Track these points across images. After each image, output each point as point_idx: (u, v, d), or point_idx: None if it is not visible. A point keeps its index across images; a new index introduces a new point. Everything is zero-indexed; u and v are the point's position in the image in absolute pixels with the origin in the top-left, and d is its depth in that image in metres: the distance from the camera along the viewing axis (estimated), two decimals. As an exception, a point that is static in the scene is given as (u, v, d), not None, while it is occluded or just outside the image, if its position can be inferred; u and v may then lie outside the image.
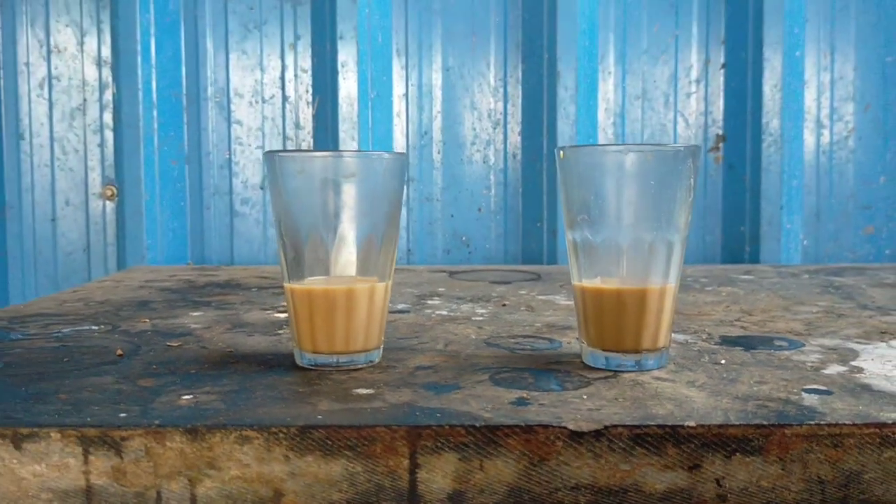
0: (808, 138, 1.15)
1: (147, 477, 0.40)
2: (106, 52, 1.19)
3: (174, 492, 0.40)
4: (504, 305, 0.76)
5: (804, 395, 0.45)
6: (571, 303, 0.78)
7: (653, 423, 0.40)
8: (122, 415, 0.41)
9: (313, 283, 0.51)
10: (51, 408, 0.43)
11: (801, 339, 0.61)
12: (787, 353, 0.56)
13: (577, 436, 0.40)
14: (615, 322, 0.50)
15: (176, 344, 0.59)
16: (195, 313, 0.72)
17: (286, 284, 0.52)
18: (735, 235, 1.16)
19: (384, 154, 0.52)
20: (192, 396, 0.45)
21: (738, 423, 0.40)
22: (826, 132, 1.16)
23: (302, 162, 0.50)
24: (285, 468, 0.40)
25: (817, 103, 1.16)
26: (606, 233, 0.50)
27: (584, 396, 0.45)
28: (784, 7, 1.09)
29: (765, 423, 0.40)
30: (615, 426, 0.40)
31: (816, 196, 1.16)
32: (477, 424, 0.40)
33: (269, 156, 0.50)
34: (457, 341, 0.60)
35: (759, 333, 0.63)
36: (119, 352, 0.56)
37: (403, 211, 1.10)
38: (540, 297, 0.82)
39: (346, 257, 0.51)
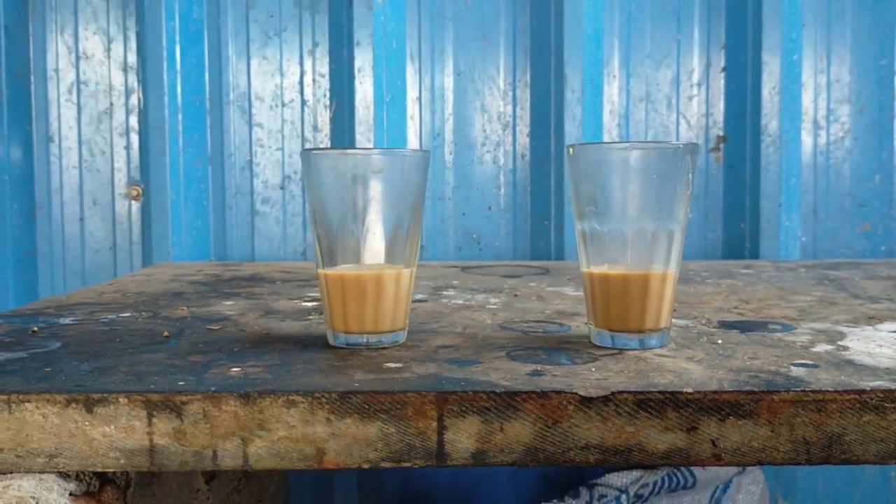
0: (806, 139, 1.20)
1: (204, 437, 0.45)
2: (132, 58, 1.24)
3: (228, 450, 0.45)
4: (516, 296, 0.81)
5: (792, 368, 0.50)
6: (579, 293, 0.83)
7: (655, 390, 0.45)
8: (181, 383, 0.46)
9: (345, 269, 0.56)
10: (115, 378, 0.48)
11: (794, 323, 0.65)
12: (779, 334, 0.61)
13: (586, 401, 0.45)
14: (621, 304, 0.55)
15: (216, 328, 0.64)
16: (228, 302, 0.77)
17: (320, 270, 0.57)
18: (735, 233, 1.21)
19: (409, 151, 0.57)
20: (240, 369, 0.50)
21: (731, 389, 0.45)
22: (823, 133, 1.20)
23: (335, 159, 0.55)
24: (327, 429, 0.45)
25: (814, 105, 1.20)
26: (612, 223, 0.55)
27: (593, 369, 0.50)
28: (782, 12, 1.14)
29: (755, 389, 0.45)
30: (621, 392, 0.45)
31: (814, 194, 1.21)
32: (497, 391, 0.45)
33: (305, 154, 0.55)
34: (474, 325, 0.65)
35: (754, 319, 0.68)
36: (165, 333, 0.61)
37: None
38: (549, 289, 0.87)
39: (375, 246, 0.56)
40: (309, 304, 0.76)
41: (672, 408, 0.45)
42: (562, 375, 0.48)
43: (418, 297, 0.81)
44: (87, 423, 0.45)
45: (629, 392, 0.45)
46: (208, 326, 0.64)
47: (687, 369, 0.50)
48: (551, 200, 1.18)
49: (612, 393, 0.45)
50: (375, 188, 0.55)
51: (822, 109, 1.20)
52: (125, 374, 0.49)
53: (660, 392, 0.45)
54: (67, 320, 0.68)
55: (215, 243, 1.22)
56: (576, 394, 0.45)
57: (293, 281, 0.93)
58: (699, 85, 1.21)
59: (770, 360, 0.52)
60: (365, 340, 0.56)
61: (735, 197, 1.21)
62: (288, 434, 0.45)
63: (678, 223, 0.55)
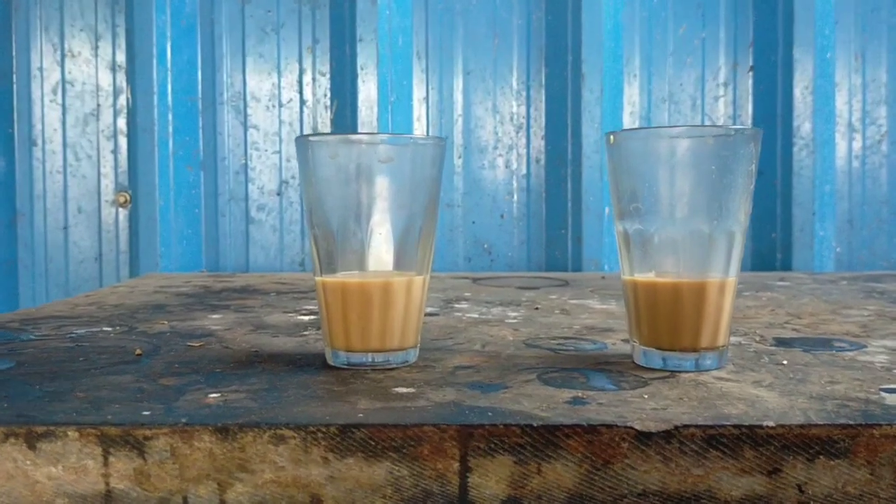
0: (840, 143, 1.12)
1: (172, 480, 0.36)
2: (121, 57, 1.17)
3: (202, 497, 0.36)
4: (536, 309, 0.73)
5: (884, 395, 0.41)
6: (606, 306, 0.74)
7: (728, 424, 0.36)
8: (146, 413, 0.38)
9: (347, 276, 0.47)
10: (67, 406, 0.39)
11: (861, 340, 0.57)
12: (850, 353, 0.52)
13: (644, 437, 0.36)
14: (671, 318, 0.47)
15: (197, 344, 0.55)
16: (214, 315, 0.69)
17: (318, 278, 0.48)
18: (766, 243, 1.12)
19: (422, 138, 0.49)
20: (219, 395, 0.41)
21: (821, 422, 0.37)
22: (858, 136, 1.12)
23: (335, 146, 0.47)
24: (324, 471, 0.36)
25: (849, 107, 1.12)
26: (661, 223, 0.46)
27: (645, 396, 0.41)
28: (814, 7, 1.07)
29: (851, 422, 0.36)
30: (686, 426, 0.36)
31: (849, 202, 1.13)
32: (534, 424, 0.36)
33: (301, 141, 0.47)
34: (494, 342, 0.56)
35: (813, 335, 0.59)
36: (138, 351, 0.52)
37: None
38: (572, 301, 0.78)
39: (382, 250, 0.48)
40: (305, 317, 0.68)
41: (749, 445, 0.36)
42: (609, 404, 0.40)
43: (428, 310, 0.72)
44: (28, 463, 0.36)
45: (697, 426, 0.36)
46: (188, 343, 0.56)
47: (759, 397, 0.41)
48: (568, 208, 1.10)
49: (676, 427, 0.36)
50: (382, 182, 0.47)
51: (858, 111, 1.12)
52: (81, 401, 0.40)
53: (734, 426, 0.36)
54: (31, 335, 0.59)
55: (207, 253, 1.14)
56: (631, 428, 0.36)
57: (289, 293, 0.85)
58: (725, 85, 1.14)
59: (853, 386, 0.43)
60: (370, 360, 0.47)
61: (766, 204, 1.12)
62: (275, 477, 0.36)
63: (739, 223, 0.47)
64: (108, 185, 1.18)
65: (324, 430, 0.36)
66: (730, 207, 0.46)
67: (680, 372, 0.47)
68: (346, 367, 0.48)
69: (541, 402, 0.40)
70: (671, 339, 0.47)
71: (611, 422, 0.37)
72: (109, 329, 0.62)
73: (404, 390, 0.42)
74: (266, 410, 0.38)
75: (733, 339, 0.57)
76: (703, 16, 1.12)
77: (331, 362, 0.48)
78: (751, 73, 1.13)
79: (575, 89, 1.09)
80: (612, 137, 0.48)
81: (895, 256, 1.13)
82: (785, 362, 0.50)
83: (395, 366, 0.48)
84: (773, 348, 0.54)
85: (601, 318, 0.67)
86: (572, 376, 0.46)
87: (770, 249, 1.12)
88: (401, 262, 0.48)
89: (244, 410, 0.38)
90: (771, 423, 0.36)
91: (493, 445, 0.36)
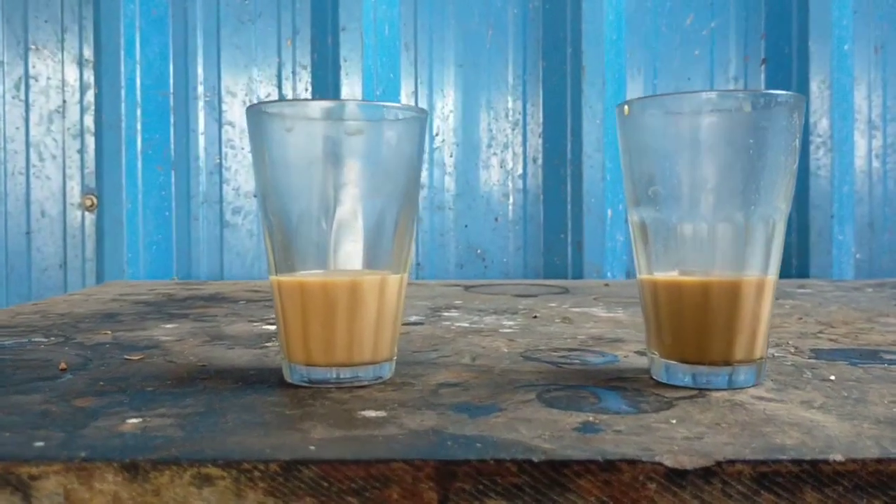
0: (860, 141, 1.04)
1: (66, 534, 0.28)
2: (88, 51, 1.09)
3: (104, 556, 0.28)
4: (535, 317, 0.65)
5: (969, 418, 0.33)
6: (613, 315, 0.66)
7: (784, 458, 0.28)
8: (38, 443, 0.30)
9: (308, 275, 0.39)
10: (-59, 436, 0.31)
11: (912, 352, 0.49)
12: (905, 368, 0.44)
13: (677, 476, 0.28)
14: (700, 326, 0.39)
15: (136, 357, 0.47)
16: (168, 325, 0.60)
17: (273, 277, 0.40)
18: (781, 248, 1.04)
19: (400, 107, 0.41)
20: (139, 420, 0.33)
21: (903, 456, 0.28)
22: (879, 134, 1.05)
23: (293, 116, 0.39)
24: (262, 522, 0.28)
25: (868, 102, 1.05)
26: (686, 210, 0.38)
27: (673, 421, 0.33)
28: (832, -5, 0.99)
29: (942, 456, 0.28)
30: (731, 462, 0.28)
31: (869, 205, 1.05)
32: (535, 459, 0.28)
33: (252, 111, 0.39)
34: (486, 355, 0.48)
35: (855, 346, 0.51)
36: (62, 365, 0.44)
37: (415, 227, 0.99)
38: (574, 310, 0.70)
39: (350, 243, 0.40)
40: (272, 327, 0.60)
41: (812, 486, 0.28)
42: (629, 431, 0.31)
43: (412, 319, 0.64)
44: None
45: (744, 461, 0.28)
46: (126, 356, 0.47)
47: (814, 421, 0.33)
48: (568, 210, 1.02)
49: (718, 463, 0.28)
50: (351, 160, 0.39)
51: (878, 107, 1.05)
52: (-38, 428, 0.32)
53: (792, 461, 0.28)
54: (-51, 348, 0.51)
55: (178, 260, 1.06)
56: (660, 464, 0.28)
57: (261, 301, 0.77)
58: (736, 79, 1.06)
59: (925, 407, 0.35)
60: (334, 376, 0.39)
61: (780, 207, 1.04)
62: (199, 529, 0.28)
63: (779, 210, 0.39)
64: (73, 187, 1.10)
65: (263, 467, 0.28)
66: (769, 191, 0.38)
67: (709, 390, 0.38)
68: (305, 384, 0.39)
69: (543, 430, 0.32)
70: (699, 351, 0.39)
71: (633, 456, 0.28)
72: (43, 340, 0.54)
73: (373, 414, 0.34)
74: (193, 441, 0.30)
75: (765, 350, 0.49)
76: (712, 5, 1.05)
77: (288, 379, 0.40)
78: (763, 67, 1.05)
79: (575, 84, 1.02)
80: (626, 108, 0.40)
81: (919, 263, 1.05)
82: (832, 378, 0.41)
83: (365, 383, 0.40)
84: (812, 361, 0.46)
85: (608, 328, 0.59)
86: (580, 395, 0.37)
87: (785, 255, 1.03)
88: (373, 259, 0.40)
89: (165, 441, 0.30)
90: (839, 458, 0.28)
91: (481, 487, 0.28)
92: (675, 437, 0.31)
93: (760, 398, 0.37)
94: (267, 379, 0.41)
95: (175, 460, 0.28)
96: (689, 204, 0.38)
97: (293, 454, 0.29)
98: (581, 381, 0.41)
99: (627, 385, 0.40)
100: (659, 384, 0.40)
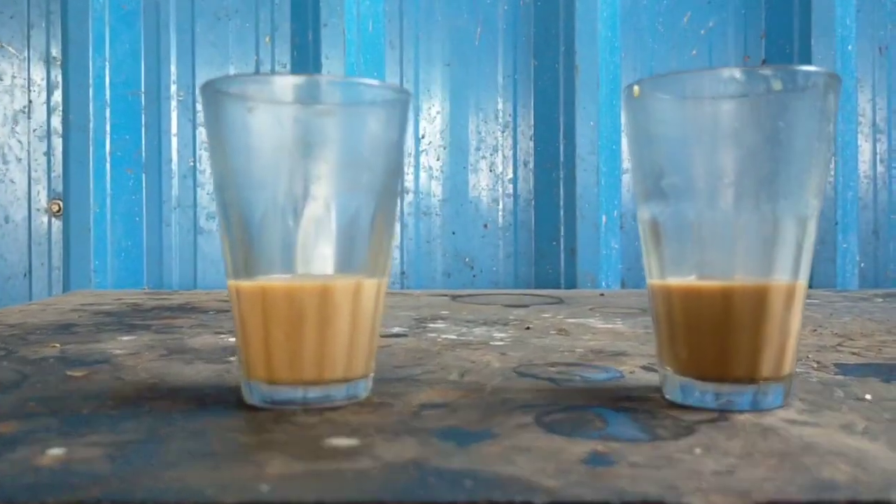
0: (864, 145, 1.00)
1: None
2: (56, 49, 1.03)
3: None
4: (528, 329, 0.60)
5: None
6: (613, 326, 0.61)
7: (841, 499, 0.23)
8: (-71, 484, 0.24)
9: (271, 280, 0.34)
10: None
11: (947, 367, 0.44)
12: (946, 385, 0.39)
13: (711, 520, 0.23)
14: (721, 337, 0.34)
15: (80, 374, 0.42)
16: (125, 338, 0.55)
17: (230, 282, 0.35)
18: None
19: (378, 85, 0.36)
20: (63, 451, 0.28)
21: (981, 496, 0.23)
22: (883, 138, 1.01)
23: (254, 95, 0.34)
24: (201, 580, 0.23)
25: (872, 105, 1.01)
26: (705, 205, 0.34)
27: (697, 451, 0.28)
28: (834, -6, 0.95)
29: None
30: (775, 503, 0.23)
31: (874, 211, 1.01)
32: (537, 501, 0.23)
33: (207, 89, 0.34)
34: (476, 370, 0.43)
35: (882, 361, 0.46)
36: (-9, 384, 0.39)
37: (396, 227, 0.94)
38: (570, 321, 0.65)
39: (320, 244, 0.35)
40: (240, 339, 0.54)
41: (875, 533, 0.23)
42: (647, 464, 0.26)
43: (395, 330, 0.59)
44: None
45: None
46: (69, 372, 0.42)
47: (861, 450, 0.28)
48: (560, 216, 0.97)
49: (761, 505, 0.23)
50: (321, 147, 0.34)
51: (882, 110, 1.01)
52: None
53: (851, 503, 0.23)
54: None
55: (149, 268, 1.00)
56: (690, 507, 0.23)
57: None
58: (735, 80, 1.02)
59: None
60: (301, 396, 0.34)
61: (781, 213, 1.00)
62: (122, 591, 0.23)
63: (812, 206, 0.34)
64: (40, 191, 1.04)
65: (203, 512, 0.23)
66: (801, 183, 0.33)
67: (731, 412, 0.33)
68: (268, 405, 0.34)
69: (545, 462, 0.27)
70: (720, 367, 0.34)
71: (657, 497, 0.23)
72: (-18, 354, 0.48)
73: (343, 442, 0.29)
74: (122, 478, 0.25)
75: (785, 365, 0.44)
76: (710, 3, 1.00)
77: (248, 400, 0.35)
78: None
79: (568, 84, 0.97)
80: (635, 89, 0.35)
81: (925, 272, 1.01)
82: (868, 397, 0.37)
83: (337, 403, 0.34)
84: (840, 378, 0.41)
85: (609, 340, 0.54)
86: (585, 418, 0.32)
87: (787, 264, 0.99)
88: (347, 261, 0.35)
89: (87, 479, 0.25)
90: (906, 498, 0.23)
91: (472, 536, 0.23)
92: (703, 470, 0.26)
93: (792, 421, 0.32)
94: (225, 399, 0.36)
95: (96, 502, 0.23)
96: (708, 198, 0.33)
97: (242, 495, 0.23)
98: (584, 402, 0.35)
99: (637, 406, 0.35)
100: (673, 405, 0.35)
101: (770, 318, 0.33)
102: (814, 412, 0.34)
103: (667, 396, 0.36)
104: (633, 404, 0.35)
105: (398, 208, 0.36)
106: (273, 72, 0.99)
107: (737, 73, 0.33)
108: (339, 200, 0.34)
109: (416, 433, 0.30)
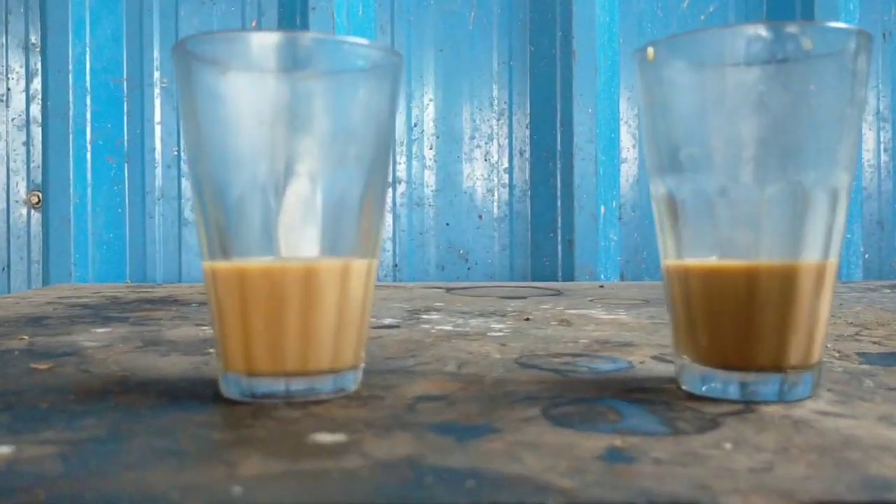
0: (867, 133, 0.98)
1: None
2: (35, 35, 1.00)
3: None
4: (527, 320, 0.57)
5: None
6: (615, 316, 0.58)
7: (898, 499, 0.20)
8: None
9: (249, 261, 0.31)
10: None
11: (977, 356, 0.41)
12: (981, 374, 0.37)
13: (751, 525, 0.20)
14: (745, 322, 0.31)
15: (45, 366, 0.38)
16: (99, 329, 0.52)
17: (205, 264, 0.32)
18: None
19: (367, 45, 0.33)
20: (12, 448, 0.24)
21: None
22: (888, 126, 0.98)
23: (229, 55, 0.31)
24: None
25: (876, 92, 0.98)
26: (727, 177, 0.31)
27: (727, 445, 0.25)
28: (838, -23, 0.92)
29: None
30: (825, 505, 0.20)
31: (878, 201, 0.98)
32: (551, 503, 0.20)
33: (178, 52, 0.31)
34: (474, 361, 0.40)
35: (906, 350, 0.44)
36: (-56, 378, 0.35)
37: (389, 218, 0.91)
38: (571, 311, 0.62)
39: (305, 222, 0.31)
40: (222, 331, 0.51)
41: (938, 539, 0.20)
42: (672, 461, 0.23)
43: (386, 321, 0.56)
44: None
45: (843, 504, 0.20)
46: (33, 364, 0.39)
47: (909, 444, 0.25)
48: (557, 207, 0.94)
49: (809, 508, 0.20)
50: (304, 115, 0.31)
51: (886, 98, 0.98)
52: None
53: (910, 504, 0.20)
54: None
55: (132, 261, 0.97)
56: (727, 510, 0.20)
57: (217, 304, 0.68)
58: (736, 67, 0.99)
59: None
60: (283, 388, 0.31)
61: (784, 203, 0.97)
62: None
63: (843, 179, 0.31)
64: (19, 182, 1.01)
65: (164, 519, 0.20)
66: (833, 153, 0.30)
67: (756, 402, 0.31)
68: (248, 399, 0.31)
69: (556, 458, 0.23)
70: (744, 354, 0.31)
71: (689, 498, 0.20)
72: (-57, 347, 0.45)
73: (329, 438, 0.26)
74: (74, 479, 0.22)
75: (804, 355, 0.41)
76: (710, -13, 0.98)
77: (225, 393, 0.32)
78: (765, 54, 0.98)
79: (565, 70, 0.94)
80: (650, 51, 0.32)
81: (931, 263, 0.98)
82: (901, 387, 0.34)
83: (323, 397, 0.31)
84: (865, 367, 0.38)
85: (614, 330, 0.51)
86: (597, 411, 0.29)
87: (791, 255, 0.96)
88: (334, 241, 0.32)
89: (31, 480, 0.22)
90: (972, 499, 0.20)
91: (476, 545, 0.20)
92: (736, 468, 0.23)
93: (825, 413, 0.29)
94: (200, 393, 0.33)
95: (39, 509, 0.20)
96: (731, 170, 0.30)
97: (210, 499, 0.20)
98: (594, 394, 0.32)
99: (653, 397, 0.32)
100: (691, 396, 0.32)
101: (798, 300, 0.31)
102: (845, 403, 0.31)
103: (684, 387, 0.33)
104: (648, 395, 0.32)
105: (388, 182, 0.33)
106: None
107: (762, 31, 0.30)
108: (325, 175, 0.31)
109: (410, 428, 0.27)
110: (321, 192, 0.31)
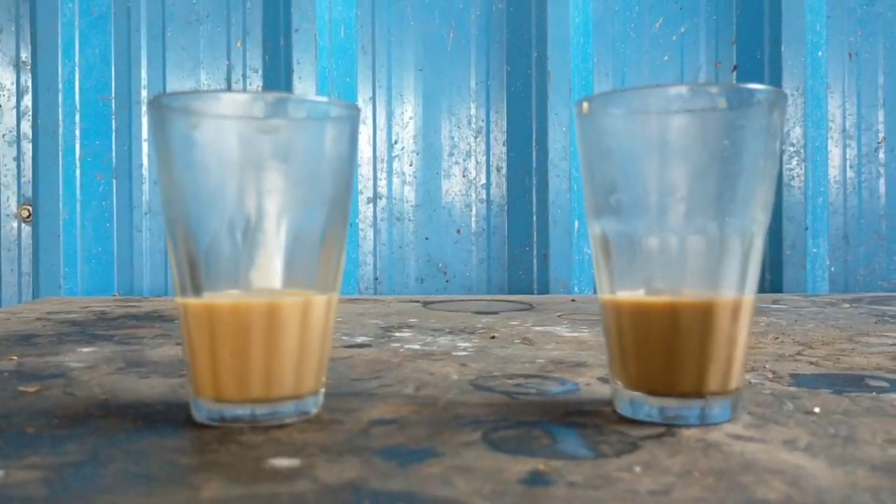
0: (834, 150, 1.01)
1: None
2: (25, 52, 1.02)
3: None
4: (493, 338, 0.60)
5: (978, 462, 0.29)
6: (579, 334, 0.62)
7: (769, 520, 0.23)
8: None
9: (217, 297, 0.34)
10: None
11: (900, 377, 0.45)
12: (895, 396, 0.40)
13: (641, 543, 0.23)
14: (669, 352, 0.34)
15: (32, 389, 0.41)
16: (85, 349, 0.54)
17: (178, 299, 0.35)
18: (754, 261, 1.01)
19: (326, 100, 0.36)
20: (1, 473, 0.27)
21: (909, 516, 0.24)
22: (853, 143, 1.02)
23: (199, 111, 0.34)
24: None
25: (842, 110, 1.02)
26: (653, 221, 0.34)
27: (637, 469, 0.28)
28: (804, 0, 0.96)
29: (956, 516, 0.24)
30: (705, 525, 0.23)
31: (844, 216, 1.02)
32: (468, 525, 0.23)
33: (153, 105, 0.34)
34: (433, 383, 0.43)
35: (838, 371, 0.47)
36: (-62, 402, 0.38)
37: (369, 233, 0.94)
38: (537, 329, 0.65)
39: (269, 260, 0.34)
40: (202, 351, 0.54)
41: (804, 555, 0.23)
42: (585, 484, 0.26)
43: (359, 340, 0.59)
44: None
45: (721, 525, 0.23)
46: (21, 388, 0.42)
47: (800, 467, 0.28)
48: (533, 222, 0.98)
49: (691, 528, 0.23)
50: (268, 163, 0.34)
51: (852, 116, 1.02)
52: None
53: (780, 524, 0.23)
54: None
55: (120, 274, 0.99)
56: (620, 530, 0.23)
57: (200, 320, 0.71)
58: (706, 86, 1.02)
59: (925, 447, 0.31)
60: (249, 413, 0.34)
61: (752, 218, 1.01)
62: None
63: (758, 222, 0.34)
64: (9, 196, 1.03)
65: (131, 539, 0.23)
66: (747, 200, 0.33)
67: (679, 426, 0.34)
68: (216, 423, 0.34)
69: (483, 482, 0.27)
70: (668, 381, 0.34)
71: (588, 520, 0.23)
72: (-64, 368, 0.48)
73: (285, 463, 0.29)
74: (56, 502, 0.25)
75: (740, 376, 0.45)
76: (682, 9, 1.01)
77: (196, 417, 0.35)
78: (734, 73, 1.02)
79: (540, 89, 0.97)
80: (585, 106, 0.35)
81: (895, 277, 1.02)
82: (817, 410, 0.37)
83: (286, 420, 0.34)
84: (793, 389, 0.42)
85: (571, 350, 0.54)
86: (532, 435, 0.32)
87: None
88: (295, 277, 0.35)
89: (20, 502, 0.24)
90: (835, 519, 0.24)
91: (403, 560, 0.23)
92: (639, 490, 0.26)
93: (737, 437, 0.32)
94: (174, 417, 0.36)
95: (22, 531, 0.23)
96: (656, 214, 0.34)
97: (171, 521, 0.23)
98: (535, 417, 0.36)
99: (587, 420, 0.35)
100: (623, 419, 0.35)
101: (716, 332, 0.34)
102: (759, 427, 0.34)
103: (617, 410, 0.36)
104: (584, 419, 0.35)
105: (348, 222, 0.36)
106: (244, 76, 0.99)
107: (683, 91, 0.33)
108: (289, 216, 0.34)
109: (359, 452, 0.30)
110: (285, 230, 0.34)
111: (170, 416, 0.36)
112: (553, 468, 0.28)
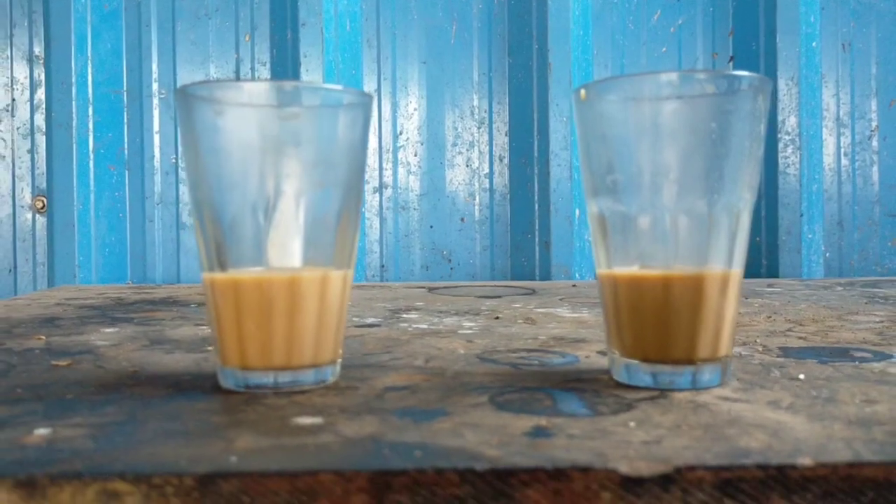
0: (828, 139, 1.03)
1: (-48, 560, 0.25)
2: (38, 47, 1.05)
3: (-5, 583, 0.25)
4: (497, 318, 0.62)
5: (944, 417, 0.31)
6: (579, 315, 0.64)
7: (749, 463, 0.26)
8: (-75, 460, 0.27)
9: (242, 272, 0.36)
10: None
11: (883, 349, 0.47)
12: (876, 365, 0.42)
13: (633, 483, 0.26)
14: (661, 322, 0.36)
15: (64, 363, 0.44)
16: (108, 329, 0.57)
17: (205, 275, 0.37)
18: (751, 247, 1.03)
19: (341, 89, 0.38)
20: (49, 430, 0.30)
21: (875, 458, 0.26)
22: (847, 132, 1.04)
23: (222, 100, 0.36)
24: (175, 542, 0.25)
25: (836, 100, 1.04)
26: (646, 200, 0.36)
27: (631, 424, 0.31)
28: (799, -8, 0.98)
29: (918, 458, 0.26)
30: (691, 468, 0.26)
31: (838, 203, 1.04)
32: (478, 468, 0.26)
33: (180, 94, 0.36)
34: (441, 356, 0.46)
35: (824, 344, 0.49)
36: (-21, 373, 0.41)
37: (376, 222, 0.97)
38: (539, 310, 0.68)
39: (288, 238, 0.37)
40: (219, 330, 0.57)
41: (780, 493, 0.26)
42: (583, 436, 0.29)
43: (369, 321, 0.62)
44: None
45: (705, 468, 0.26)
46: (54, 362, 0.44)
47: (781, 423, 0.31)
48: (535, 210, 1.00)
49: (678, 469, 0.26)
50: (287, 148, 0.36)
51: (846, 105, 1.04)
52: None
53: (758, 466, 0.26)
54: None
55: (133, 263, 1.02)
56: (614, 471, 0.26)
57: (214, 304, 0.74)
58: (704, 76, 1.05)
59: (898, 406, 0.33)
60: (272, 381, 0.36)
61: (749, 205, 1.03)
62: (103, 552, 0.25)
63: (744, 199, 0.37)
64: (24, 188, 1.06)
65: (176, 481, 0.25)
66: (734, 179, 0.36)
67: (672, 390, 0.36)
68: (242, 389, 0.37)
69: (490, 435, 0.29)
70: (661, 349, 0.37)
71: (586, 463, 0.26)
72: (-30, 346, 0.50)
73: (308, 421, 0.31)
74: (103, 454, 0.27)
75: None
76: (679, 1, 1.03)
77: (223, 384, 0.37)
78: (731, 64, 1.04)
79: (541, 81, 1.00)
80: (582, 92, 0.38)
81: (888, 261, 1.04)
82: (801, 377, 0.39)
83: (306, 387, 0.37)
84: (781, 360, 0.44)
85: (571, 328, 0.57)
86: (535, 398, 0.35)
87: (755, 254, 1.02)
88: (313, 254, 0.37)
89: (70, 454, 0.27)
90: (808, 462, 0.26)
91: (419, 499, 0.25)
92: (633, 441, 0.28)
93: (725, 398, 0.35)
94: (201, 385, 0.38)
95: (78, 475, 0.25)
96: (649, 193, 0.36)
97: (211, 466, 0.26)
98: (537, 383, 0.38)
99: (586, 386, 0.37)
100: (619, 385, 0.38)
101: (706, 304, 0.36)
102: (746, 390, 0.36)
103: (614, 377, 0.39)
104: (583, 384, 0.38)
105: (362, 203, 0.38)
106: (252, 69, 1.01)
107: (674, 78, 0.36)
108: (306, 197, 0.37)
109: (376, 412, 0.33)
110: (303, 211, 0.37)
111: (197, 385, 0.38)
112: (554, 424, 0.31)
